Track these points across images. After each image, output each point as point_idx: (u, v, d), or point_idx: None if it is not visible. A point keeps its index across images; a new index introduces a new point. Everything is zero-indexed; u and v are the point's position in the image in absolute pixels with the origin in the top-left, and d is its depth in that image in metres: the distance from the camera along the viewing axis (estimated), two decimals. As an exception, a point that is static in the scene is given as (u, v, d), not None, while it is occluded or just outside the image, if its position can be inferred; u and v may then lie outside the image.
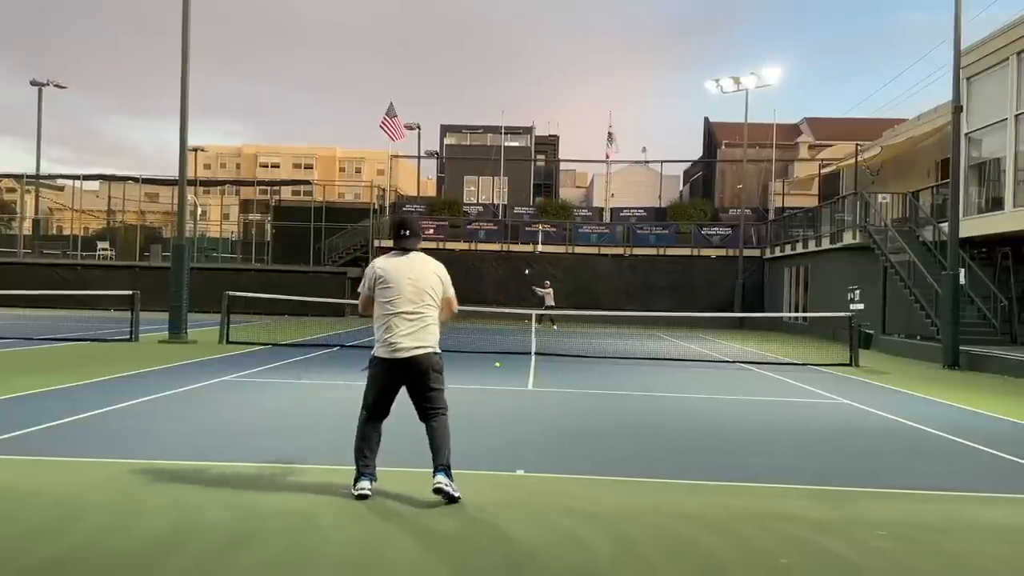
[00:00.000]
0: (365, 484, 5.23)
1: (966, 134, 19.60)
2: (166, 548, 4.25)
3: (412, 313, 5.20)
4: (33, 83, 40.68)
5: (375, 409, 5.36)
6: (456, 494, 5.06)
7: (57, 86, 42.01)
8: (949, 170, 18.39)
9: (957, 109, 17.60)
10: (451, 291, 5.49)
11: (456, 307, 5.60)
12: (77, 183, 42.86)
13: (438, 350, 5.32)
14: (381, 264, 5.33)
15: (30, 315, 26.72)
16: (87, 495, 5.18)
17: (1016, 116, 18.22)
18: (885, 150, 31.15)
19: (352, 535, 4.54)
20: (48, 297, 28.60)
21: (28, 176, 42.22)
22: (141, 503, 5.04)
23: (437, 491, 5.05)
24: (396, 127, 39.11)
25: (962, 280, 17.25)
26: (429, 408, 5.28)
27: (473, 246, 35.96)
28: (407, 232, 5.38)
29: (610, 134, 42.95)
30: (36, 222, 45.15)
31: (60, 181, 49.40)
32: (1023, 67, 18.08)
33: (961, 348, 16.66)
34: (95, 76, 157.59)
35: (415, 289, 5.23)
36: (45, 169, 42.31)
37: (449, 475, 5.11)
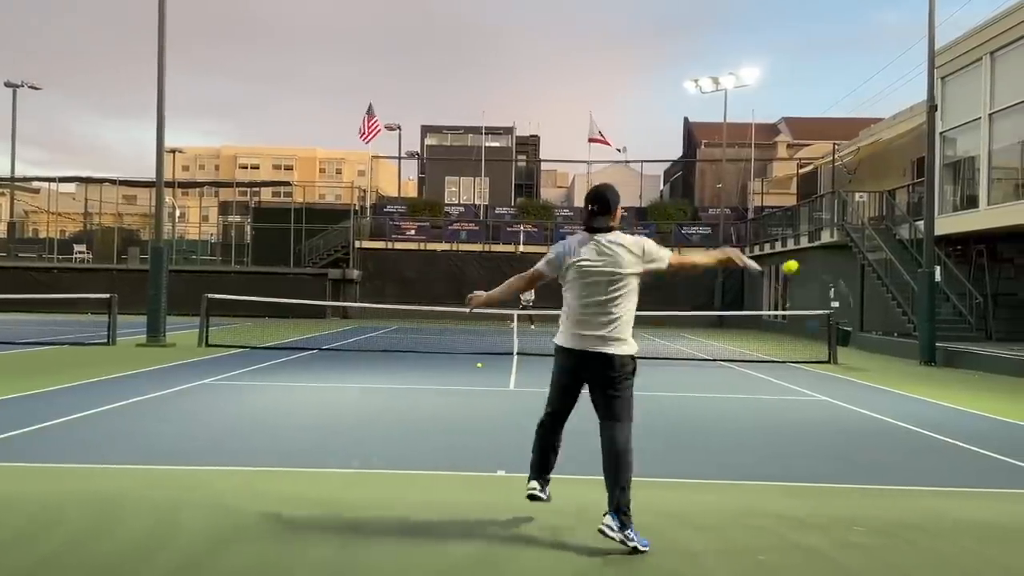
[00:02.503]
0: (534, 484, 4.71)
1: (941, 133, 19.84)
2: (145, 552, 4.21)
3: (591, 305, 4.48)
4: (8, 84, 40.20)
5: (553, 414, 4.73)
6: (629, 545, 4.26)
7: (32, 87, 41.54)
8: (924, 169, 18.60)
9: (932, 108, 17.81)
10: (660, 255, 4.54)
11: (686, 260, 4.75)
12: (53, 185, 42.39)
13: (625, 349, 4.50)
14: (569, 243, 4.60)
15: (5, 319, 26.40)
16: (65, 500, 5.13)
17: (990, 115, 18.47)
18: (862, 149, 31.50)
19: (333, 538, 4.52)
20: (24, 301, 28.24)
21: (2, 178, 41.68)
22: (120, 508, 4.99)
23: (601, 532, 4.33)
24: (372, 127, 39.29)
25: (938, 277, 17.46)
26: (613, 418, 4.59)
27: (455, 246, 35.96)
28: (595, 207, 4.52)
29: (600, 132, 42.94)
30: (11, 225, 44.60)
31: (36, 183, 48.82)
32: (996, 67, 18.33)
33: (937, 345, 16.87)
34: (70, 77, 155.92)
35: (601, 275, 4.45)
36: (19, 171, 41.72)
37: (619, 519, 4.31)
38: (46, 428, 7.61)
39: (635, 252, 4.49)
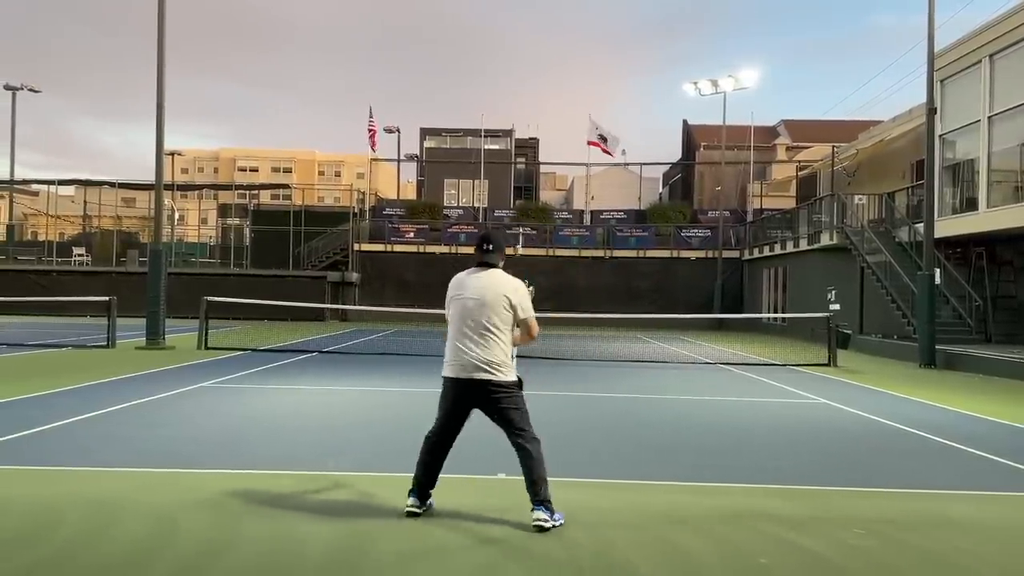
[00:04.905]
0: (412, 500, 4.97)
1: (940, 136, 19.85)
2: (144, 555, 4.21)
3: (469, 333, 4.88)
4: (7, 87, 40.15)
5: (439, 432, 5.02)
6: (548, 526, 4.72)
7: (31, 90, 41.46)
8: (924, 171, 18.60)
9: (931, 111, 17.82)
10: (526, 314, 4.99)
11: (535, 332, 5.09)
12: (52, 188, 42.38)
13: (502, 375, 4.87)
14: (457, 278, 5.08)
15: (5, 322, 26.40)
16: (64, 503, 5.12)
17: (989, 118, 18.48)
18: (861, 152, 31.51)
19: (331, 541, 4.51)
20: (23, 303, 28.24)
21: (1, 181, 41.66)
22: (119, 510, 4.99)
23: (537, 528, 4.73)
24: (373, 132, 39.69)
25: (937, 280, 17.45)
26: (508, 432, 4.94)
27: (453, 249, 35.93)
28: (489, 246, 5.05)
29: (602, 137, 42.95)
30: (10, 228, 44.56)
31: (35, 186, 48.79)
32: (995, 69, 18.34)
33: (937, 347, 16.85)
34: (68, 80, 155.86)
35: (479, 307, 4.87)
36: (18, 174, 41.68)
37: (548, 509, 4.75)
38: (45, 431, 7.61)
39: (508, 292, 4.91)
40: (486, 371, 4.84)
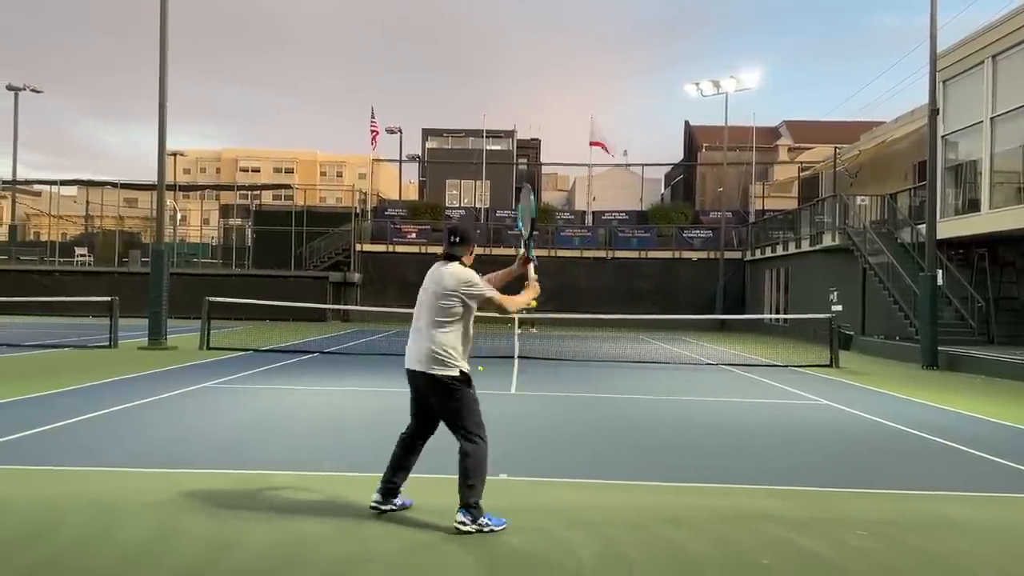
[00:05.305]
0: (376, 497, 5.02)
1: (943, 136, 19.83)
2: (146, 556, 4.21)
3: (419, 326, 4.90)
4: (9, 88, 40.19)
5: (411, 432, 5.06)
6: (466, 529, 4.65)
7: (33, 91, 41.49)
8: (926, 172, 18.58)
9: (934, 112, 17.80)
10: (482, 292, 4.87)
11: (507, 305, 4.98)
12: (54, 188, 42.46)
13: (436, 370, 4.75)
14: (429, 271, 5.05)
15: (7, 322, 26.43)
16: (66, 503, 5.13)
17: (991, 119, 18.46)
18: (863, 153, 31.50)
19: (335, 541, 4.52)
20: (26, 304, 28.27)
21: (4, 181, 41.71)
22: (121, 511, 4.99)
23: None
24: (374, 132, 39.82)
25: (940, 281, 17.43)
26: (451, 430, 4.85)
27: (455, 250, 35.94)
28: (455, 239, 4.98)
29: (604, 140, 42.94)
30: (12, 228, 44.61)
31: (37, 186, 48.85)
32: (998, 70, 18.32)
33: (939, 349, 16.84)
34: (70, 80, 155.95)
35: (428, 299, 4.88)
36: (20, 174, 41.74)
37: (470, 513, 4.67)
38: (47, 431, 7.61)
39: (448, 285, 4.81)
40: (422, 363, 4.79)
